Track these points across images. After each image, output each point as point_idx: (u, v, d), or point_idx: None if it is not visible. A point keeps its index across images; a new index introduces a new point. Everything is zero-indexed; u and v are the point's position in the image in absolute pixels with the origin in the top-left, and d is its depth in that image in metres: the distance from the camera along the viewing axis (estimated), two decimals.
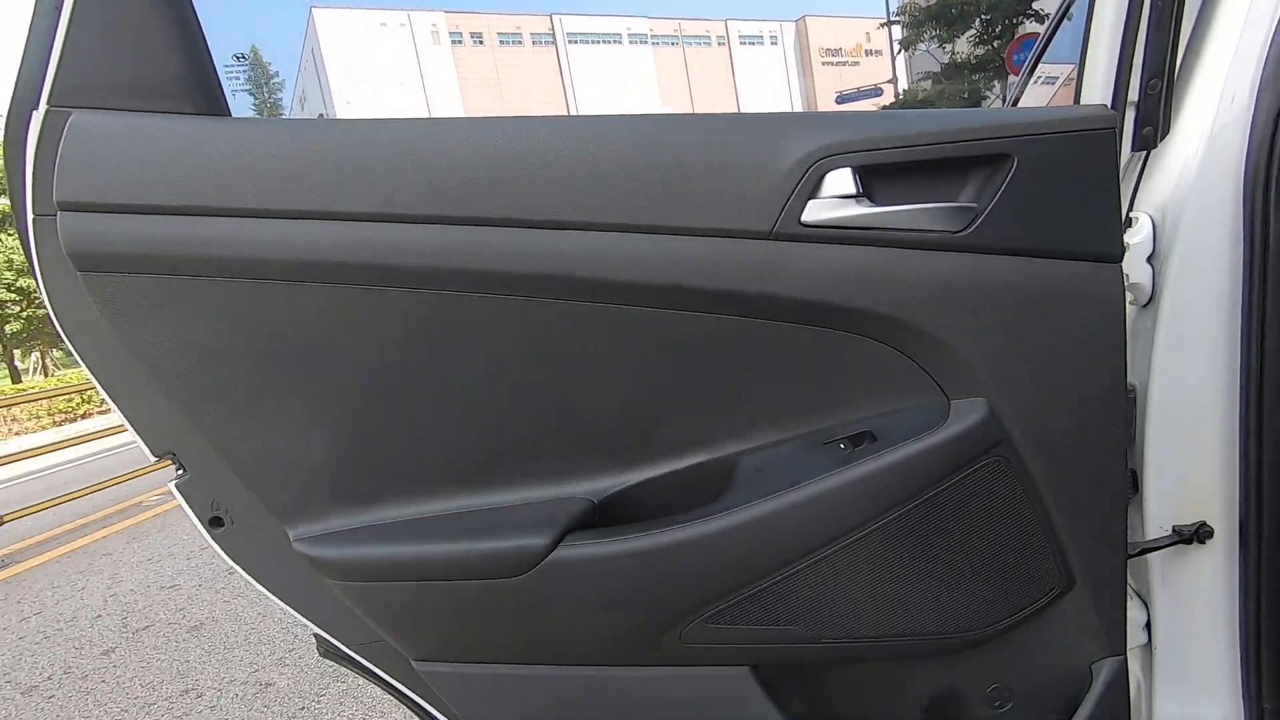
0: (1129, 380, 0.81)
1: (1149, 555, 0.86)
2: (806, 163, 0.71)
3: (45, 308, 0.77)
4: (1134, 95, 0.81)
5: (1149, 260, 0.82)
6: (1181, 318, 0.80)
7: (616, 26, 51.99)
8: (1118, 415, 0.76)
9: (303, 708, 2.29)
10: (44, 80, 0.71)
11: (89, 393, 13.03)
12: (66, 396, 14.18)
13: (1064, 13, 1.40)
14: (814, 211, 0.72)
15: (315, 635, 0.90)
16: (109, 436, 7.53)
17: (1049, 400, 0.75)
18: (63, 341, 0.77)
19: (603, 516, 0.81)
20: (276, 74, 43.66)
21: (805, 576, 0.78)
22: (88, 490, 5.59)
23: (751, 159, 0.72)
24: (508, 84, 47.31)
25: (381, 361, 0.77)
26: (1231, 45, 0.78)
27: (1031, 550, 0.78)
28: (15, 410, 13.66)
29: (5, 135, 0.72)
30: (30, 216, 0.73)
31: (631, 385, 0.79)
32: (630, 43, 52.43)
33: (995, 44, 16.23)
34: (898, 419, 0.78)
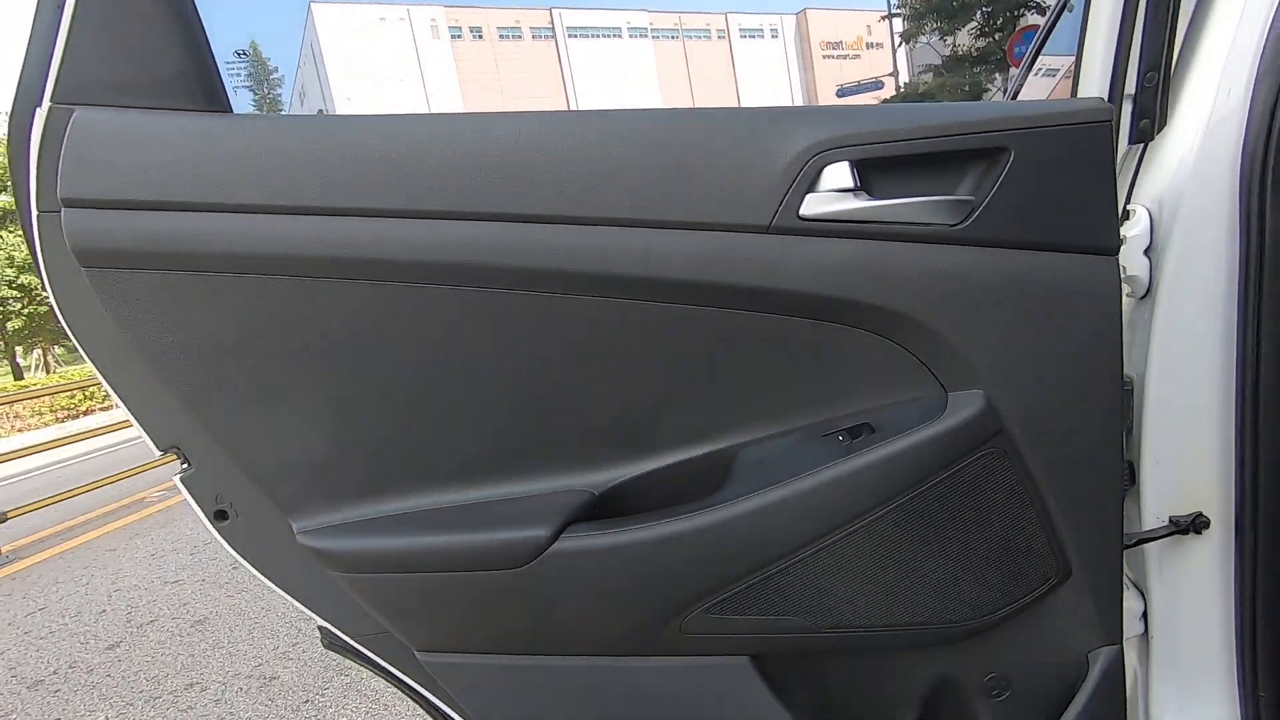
0: (1126, 372, 0.82)
1: (1145, 546, 0.86)
2: (805, 156, 0.72)
3: (49, 304, 0.77)
4: (1131, 88, 0.81)
5: (1146, 252, 0.82)
6: (1178, 309, 0.81)
7: (616, 20, 51.80)
8: (1114, 407, 0.76)
9: (307, 700, 2.30)
10: (47, 78, 0.71)
11: (91, 389, 13.06)
12: (69, 393, 14.23)
13: (1063, 4, 1.40)
14: (812, 205, 0.72)
15: (319, 628, 0.91)
16: (111, 433, 7.54)
17: (1046, 392, 0.76)
18: (66, 338, 0.78)
19: (604, 508, 0.82)
20: (275, 69, 43.54)
21: (804, 567, 0.78)
22: (91, 486, 5.61)
23: (750, 153, 0.72)
24: (508, 78, 47.18)
25: (384, 355, 0.78)
26: (1228, 38, 0.78)
27: (1029, 541, 0.79)
28: (18, 407, 13.70)
29: (9, 132, 0.73)
30: (34, 213, 0.73)
31: (631, 378, 0.80)
32: (630, 36, 52.25)
33: (996, 36, 16.19)
34: (896, 411, 0.79)
